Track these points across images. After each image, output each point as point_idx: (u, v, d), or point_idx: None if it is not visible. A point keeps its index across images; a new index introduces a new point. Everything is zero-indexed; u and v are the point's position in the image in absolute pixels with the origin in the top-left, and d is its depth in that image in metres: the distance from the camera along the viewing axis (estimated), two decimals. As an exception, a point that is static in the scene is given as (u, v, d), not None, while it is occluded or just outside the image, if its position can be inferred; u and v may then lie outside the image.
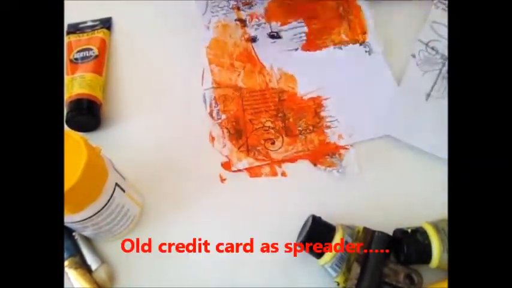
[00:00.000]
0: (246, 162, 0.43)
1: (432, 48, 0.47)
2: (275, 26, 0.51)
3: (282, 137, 0.44)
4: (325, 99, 0.45)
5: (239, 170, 0.42)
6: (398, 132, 0.43)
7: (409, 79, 0.46)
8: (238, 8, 0.52)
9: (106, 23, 0.51)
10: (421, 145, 0.42)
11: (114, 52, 0.50)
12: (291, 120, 0.45)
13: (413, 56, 0.47)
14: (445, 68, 0.46)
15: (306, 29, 0.50)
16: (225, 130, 0.44)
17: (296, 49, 0.49)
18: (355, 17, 0.51)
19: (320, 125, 0.44)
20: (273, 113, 0.45)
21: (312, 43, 0.49)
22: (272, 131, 0.44)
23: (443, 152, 0.41)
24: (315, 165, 0.42)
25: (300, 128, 0.44)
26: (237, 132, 0.44)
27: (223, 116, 0.45)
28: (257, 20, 0.51)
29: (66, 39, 0.50)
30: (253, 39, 0.50)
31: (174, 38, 0.50)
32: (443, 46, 0.48)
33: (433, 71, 0.46)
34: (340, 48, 0.49)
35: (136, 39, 0.51)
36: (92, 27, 0.51)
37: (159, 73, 0.48)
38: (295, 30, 0.50)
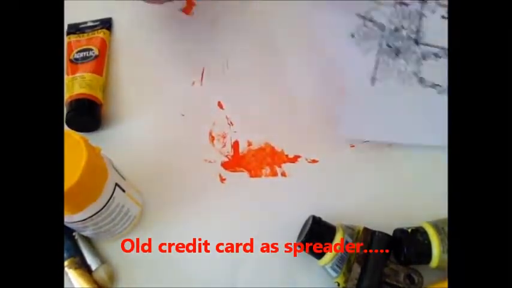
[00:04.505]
0: None
1: (370, 20, 0.40)
2: None
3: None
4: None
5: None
6: (352, 131, 0.39)
7: (352, 66, 0.39)
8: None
9: (106, 23, 0.51)
10: (377, 138, 0.39)
11: (114, 52, 0.50)
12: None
13: (353, 35, 0.40)
14: (385, 41, 0.39)
15: None
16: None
17: None
18: None
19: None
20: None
21: None
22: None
23: (403, 139, 0.39)
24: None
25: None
26: None
27: None
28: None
29: (66, 39, 0.50)
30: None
31: (173, 38, 0.50)
32: (381, 14, 0.39)
33: (373, 49, 0.40)
34: None
35: (136, 39, 0.51)
36: (92, 28, 0.51)
37: (159, 73, 0.48)
38: None
